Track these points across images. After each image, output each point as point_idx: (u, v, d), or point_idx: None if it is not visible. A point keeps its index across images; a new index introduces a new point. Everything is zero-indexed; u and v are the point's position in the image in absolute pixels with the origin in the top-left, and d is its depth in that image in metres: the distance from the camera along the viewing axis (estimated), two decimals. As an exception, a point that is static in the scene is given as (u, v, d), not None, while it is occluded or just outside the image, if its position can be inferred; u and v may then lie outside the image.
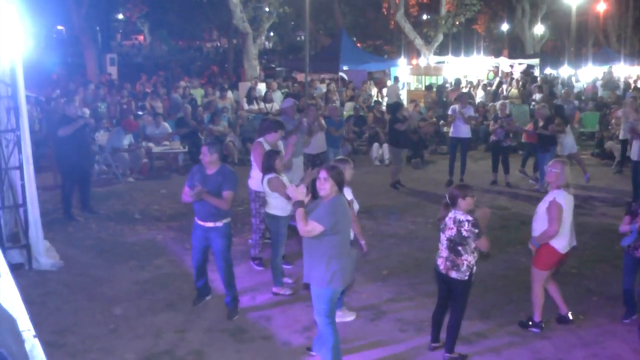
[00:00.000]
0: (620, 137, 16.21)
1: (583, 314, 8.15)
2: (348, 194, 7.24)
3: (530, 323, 7.76)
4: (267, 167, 8.39)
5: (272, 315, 8.07)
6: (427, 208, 12.94)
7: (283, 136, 9.82)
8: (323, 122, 13.34)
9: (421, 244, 10.77)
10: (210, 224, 7.82)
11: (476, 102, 22.84)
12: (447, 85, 27.50)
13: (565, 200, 7.38)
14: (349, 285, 7.07)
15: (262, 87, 23.50)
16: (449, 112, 16.05)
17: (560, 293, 7.86)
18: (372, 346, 7.29)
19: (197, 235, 8.01)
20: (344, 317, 7.78)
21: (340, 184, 6.17)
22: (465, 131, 15.29)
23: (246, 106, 20.99)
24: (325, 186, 6.10)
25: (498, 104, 16.43)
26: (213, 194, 7.60)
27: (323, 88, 25.35)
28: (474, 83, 28.99)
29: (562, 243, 7.46)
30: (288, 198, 7.42)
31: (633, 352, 7.18)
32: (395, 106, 15.70)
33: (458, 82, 26.99)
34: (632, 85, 31.19)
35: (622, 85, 31.87)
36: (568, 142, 15.01)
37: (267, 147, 9.10)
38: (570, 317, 7.89)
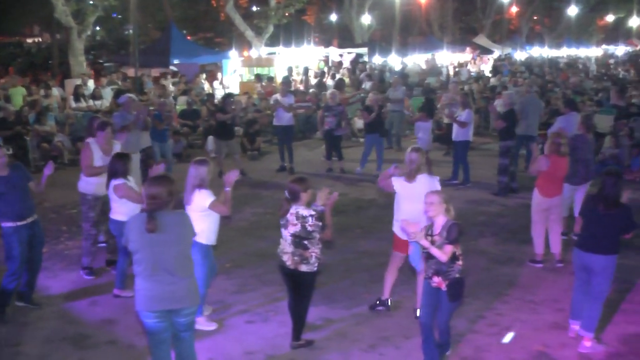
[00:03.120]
0: (445, 121, 16.99)
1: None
2: (209, 195, 7.13)
3: (378, 302, 8.03)
4: (114, 172, 8.05)
5: (115, 318, 7.77)
6: (266, 198, 12.97)
7: (119, 131, 9.48)
8: (149, 119, 13.13)
9: (262, 234, 10.76)
10: (32, 218, 7.78)
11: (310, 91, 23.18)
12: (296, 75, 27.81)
13: (400, 186, 7.59)
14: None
15: (90, 84, 22.55)
16: (271, 101, 16.29)
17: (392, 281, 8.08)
18: (220, 340, 7.21)
19: (22, 236, 7.64)
20: (207, 326, 7.54)
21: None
22: (287, 119, 15.53)
23: (73, 104, 20.07)
24: None
25: (328, 93, 16.72)
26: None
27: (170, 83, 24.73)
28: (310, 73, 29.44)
29: (395, 226, 7.75)
30: (140, 202, 7.11)
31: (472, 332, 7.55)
32: (222, 98, 15.70)
33: (290, 70, 27.32)
34: (453, 71, 32.92)
35: (445, 71, 33.53)
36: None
37: (96, 148, 8.83)
38: (389, 304, 8.10)
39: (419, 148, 7.79)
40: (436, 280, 6.27)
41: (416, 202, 6.99)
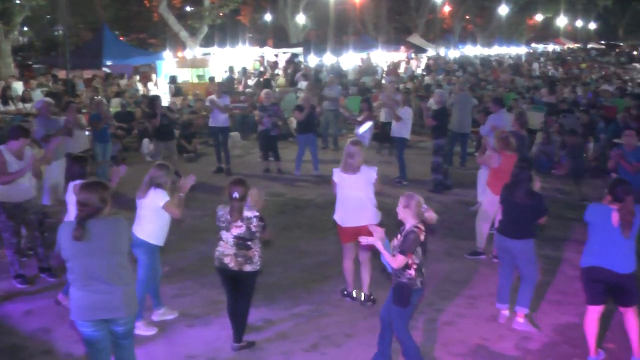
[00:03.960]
0: (382, 119, 17.09)
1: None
2: (165, 196, 7.08)
3: (346, 293, 8.25)
4: (70, 175, 7.86)
5: (51, 327, 7.56)
6: (204, 201, 12.82)
7: (43, 139, 9.20)
8: (83, 121, 12.87)
9: (201, 237, 10.64)
10: None
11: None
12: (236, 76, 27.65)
13: (338, 177, 7.91)
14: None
15: (18, 86, 21.96)
16: (206, 102, 16.16)
17: (368, 275, 8.16)
18: (161, 345, 7.11)
19: None
20: (147, 331, 7.39)
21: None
22: (222, 120, 15.40)
23: (1, 107, 19.51)
24: None
25: (263, 93, 16.66)
26: None
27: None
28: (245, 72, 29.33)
29: (339, 217, 8.01)
30: None
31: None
32: (150, 100, 15.45)
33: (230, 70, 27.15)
34: (387, 70, 33.24)
35: (380, 70, 33.83)
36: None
37: (9, 156, 8.52)
38: (360, 297, 8.23)
39: (358, 141, 8.09)
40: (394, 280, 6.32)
41: (358, 192, 7.75)
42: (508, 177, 9.49)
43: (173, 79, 26.22)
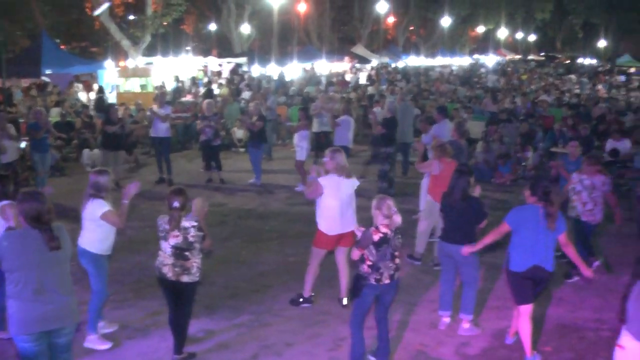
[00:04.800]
0: (314, 129, 16.86)
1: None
2: (102, 205, 6.96)
3: (302, 299, 8.22)
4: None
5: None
6: (145, 211, 12.67)
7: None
8: (13, 130, 12.64)
9: (141, 248, 10.48)
10: None
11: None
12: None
13: (330, 182, 7.89)
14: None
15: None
16: (147, 112, 15.99)
17: (346, 280, 8.24)
18: (99, 358, 6.97)
19: None
20: (101, 344, 7.24)
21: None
22: (163, 130, 15.23)
23: None
24: None
25: (204, 103, 16.55)
26: None
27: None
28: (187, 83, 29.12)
29: (326, 226, 7.98)
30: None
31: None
32: (106, 108, 15.28)
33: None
34: (335, 80, 33.42)
35: (324, 80, 33.96)
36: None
37: None
38: (345, 302, 8.28)
39: (340, 148, 8.32)
40: None
41: (348, 197, 7.99)
42: (448, 183, 9.70)
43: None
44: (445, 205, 7.79)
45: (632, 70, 60.54)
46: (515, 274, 6.90)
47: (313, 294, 8.40)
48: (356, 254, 6.54)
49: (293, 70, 37.32)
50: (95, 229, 7.03)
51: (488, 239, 7.19)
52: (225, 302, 8.48)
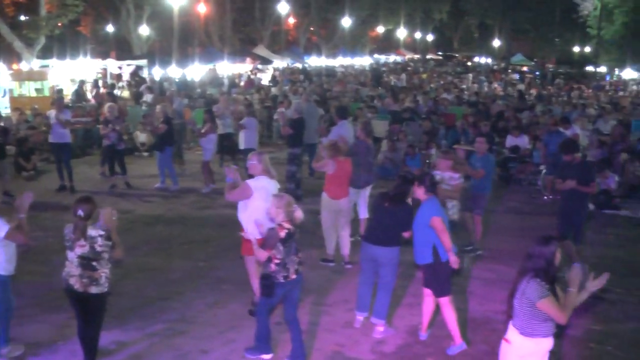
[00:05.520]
0: (220, 131, 16.71)
1: (217, 302, 8.41)
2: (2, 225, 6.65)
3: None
4: None
5: None
6: (47, 221, 12.19)
7: None
8: None
9: (45, 259, 10.06)
10: None
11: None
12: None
13: (260, 184, 7.72)
14: None
15: None
16: (52, 120, 15.42)
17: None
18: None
19: None
20: (13, 352, 6.96)
21: None
22: (63, 136, 14.70)
23: None
24: None
25: (107, 106, 16.08)
26: None
27: None
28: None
29: (252, 228, 7.64)
30: None
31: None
32: None
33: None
34: (238, 82, 33.22)
35: (226, 82, 33.70)
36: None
37: None
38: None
39: (262, 151, 8.38)
40: None
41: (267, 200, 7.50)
42: (344, 181, 9.79)
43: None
44: (376, 207, 7.80)
45: (525, 68, 62.95)
46: (447, 264, 7.11)
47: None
48: (264, 254, 6.56)
49: (195, 72, 36.85)
50: (0, 251, 6.71)
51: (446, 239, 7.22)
52: (136, 311, 8.26)
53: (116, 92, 26.97)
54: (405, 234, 7.63)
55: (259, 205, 7.65)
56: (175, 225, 12.26)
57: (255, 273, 7.95)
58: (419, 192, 7.30)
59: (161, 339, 7.49)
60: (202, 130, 14.93)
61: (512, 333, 5.31)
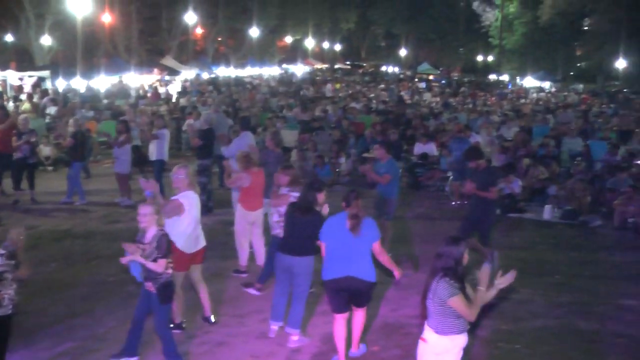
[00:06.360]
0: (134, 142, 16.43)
1: (129, 318, 8.23)
2: None
3: (172, 325, 7.77)
4: None
5: None
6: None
7: None
8: None
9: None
10: None
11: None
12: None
13: (188, 200, 7.65)
14: None
15: None
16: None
17: (207, 296, 8.23)
18: None
19: None
20: None
21: None
22: None
23: None
24: None
25: (20, 118, 15.56)
26: None
27: None
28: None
29: (186, 244, 7.72)
30: None
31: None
32: None
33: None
34: (144, 93, 32.70)
35: (133, 93, 33.12)
36: None
37: None
38: (213, 320, 8.22)
39: (186, 164, 8.19)
40: (147, 285, 6.76)
41: (196, 214, 7.79)
42: (259, 192, 9.79)
43: None
44: (287, 217, 7.80)
45: (431, 77, 64.51)
46: (325, 283, 7.12)
47: (185, 320, 8.12)
48: (164, 263, 6.66)
49: (101, 83, 36.04)
50: None
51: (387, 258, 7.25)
52: (44, 331, 7.99)
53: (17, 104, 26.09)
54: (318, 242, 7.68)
55: (188, 220, 7.67)
56: (84, 240, 11.97)
57: (179, 291, 7.89)
58: (320, 197, 7.52)
59: (71, 358, 7.30)
60: (120, 140, 14.56)
61: (427, 332, 5.50)
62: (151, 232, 6.71)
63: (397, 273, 7.23)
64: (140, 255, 6.65)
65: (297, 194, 8.39)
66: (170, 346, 6.92)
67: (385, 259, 7.16)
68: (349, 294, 7.05)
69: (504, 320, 8.66)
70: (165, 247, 6.65)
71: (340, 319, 7.12)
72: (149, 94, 32.69)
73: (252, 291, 9.29)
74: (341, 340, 7.15)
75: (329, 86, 43.20)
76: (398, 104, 31.61)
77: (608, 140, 20.09)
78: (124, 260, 6.78)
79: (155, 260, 6.62)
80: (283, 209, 8.40)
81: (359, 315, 7.28)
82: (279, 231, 8.56)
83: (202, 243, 8.07)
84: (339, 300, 7.07)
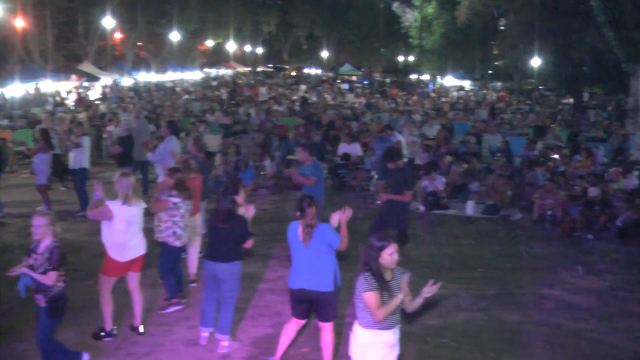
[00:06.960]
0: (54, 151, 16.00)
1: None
2: None
3: (103, 333, 7.74)
4: None
5: None
6: None
7: None
8: None
9: None
10: None
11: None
12: None
13: (120, 207, 7.56)
14: None
15: None
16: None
17: (140, 306, 8.06)
18: None
19: None
20: None
21: None
22: None
23: None
24: None
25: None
26: None
27: None
28: None
29: (117, 252, 7.63)
30: None
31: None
32: None
33: None
34: (62, 100, 31.91)
35: (51, 100, 32.28)
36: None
37: None
38: (141, 330, 8.04)
39: (127, 171, 8.07)
40: (38, 297, 6.58)
41: (133, 224, 7.68)
42: (197, 198, 9.66)
43: None
44: (210, 225, 7.73)
45: (354, 78, 65.11)
46: (290, 291, 7.02)
47: (115, 326, 7.94)
48: (54, 275, 6.48)
49: (15, 91, 34.96)
50: None
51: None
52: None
53: None
54: (247, 245, 7.67)
55: (120, 227, 7.61)
56: (0, 255, 11.56)
57: (107, 297, 7.83)
58: (239, 199, 7.59)
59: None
60: (36, 148, 14.06)
61: (356, 326, 5.58)
62: (45, 243, 6.57)
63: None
64: (30, 266, 6.52)
65: (177, 200, 8.47)
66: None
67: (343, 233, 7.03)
68: (311, 304, 6.96)
69: (432, 315, 8.78)
70: (57, 259, 6.47)
71: (293, 322, 7.09)
72: (66, 101, 31.94)
73: (173, 309, 8.91)
74: (285, 342, 7.13)
75: (262, 89, 42.85)
76: (302, 105, 31.60)
77: (526, 136, 20.68)
78: (11, 273, 6.64)
79: (45, 272, 6.45)
80: (163, 214, 8.47)
81: (326, 334, 6.98)
82: (158, 236, 8.65)
83: (141, 251, 7.92)
84: (299, 309, 7.01)
